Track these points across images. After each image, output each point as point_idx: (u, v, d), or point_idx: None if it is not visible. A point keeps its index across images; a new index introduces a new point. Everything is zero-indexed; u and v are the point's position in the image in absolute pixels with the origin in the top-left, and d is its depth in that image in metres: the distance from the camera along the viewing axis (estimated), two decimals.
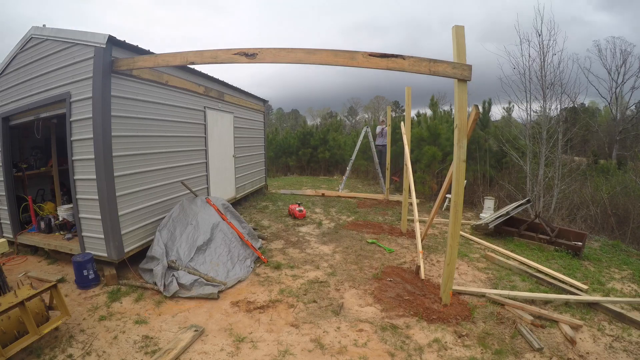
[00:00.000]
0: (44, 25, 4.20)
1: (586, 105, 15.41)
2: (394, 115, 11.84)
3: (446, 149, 9.19)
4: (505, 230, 5.87)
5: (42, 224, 4.88)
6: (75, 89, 3.90)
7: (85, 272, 3.70)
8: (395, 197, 9.26)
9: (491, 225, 5.70)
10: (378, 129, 11.01)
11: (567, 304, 3.49)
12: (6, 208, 4.94)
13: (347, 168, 10.57)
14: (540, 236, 5.44)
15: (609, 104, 17.22)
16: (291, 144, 15.72)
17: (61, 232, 4.81)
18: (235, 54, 3.31)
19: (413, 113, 12.83)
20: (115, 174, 3.87)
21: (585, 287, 3.78)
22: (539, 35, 7.49)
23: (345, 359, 2.63)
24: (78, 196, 4.05)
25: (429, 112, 11.52)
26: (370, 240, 5.52)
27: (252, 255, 4.56)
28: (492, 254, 4.86)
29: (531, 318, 3.14)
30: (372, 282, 3.99)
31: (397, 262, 4.65)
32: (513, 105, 8.86)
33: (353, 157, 10.45)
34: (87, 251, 4.02)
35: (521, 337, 2.91)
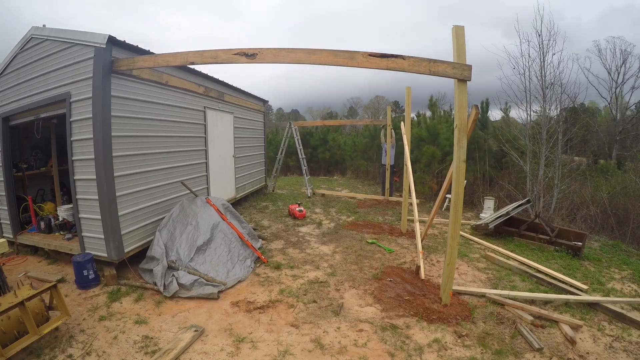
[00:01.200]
0: (44, 26, 4.20)
1: (586, 105, 15.41)
2: (394, 116, 11.81)
3: (445, 149, 9.19)
4: (505, 230, 5.87)
5: (42, 224, 4.88)
6: (75, 89, 3.90)
7: (85, 272, 3.70)
8: (395, 197, 9.26)
9: (491, 226, 5.70)
10: (384, 146, 9.58)
11: (567, 304, 3.49)
12: (6, 208, 4.94)
13: (275, 166, 10.11)
14: (540, 236, 5.44)
15: (609, 104, 17.24)
16: (291, 144, 15.72)
17: (61, 232, 4.81)
18: (235, 54, 3.31)
19: (413, 114, 12.82)
20: (115, 174, 3.87)
21: (585, 287, 3.78)
22: (539, 36, 7.51)
23: (345, 359, 2.63)
24: (78, 196, 4.05)
25: (428, 112, 11.53)
26: (370, 241, 5.52)
27: (252, 255, 4.56)
28: (492, 254, 4.86)
29: (531, 318, 3.14)
30: (372, 282, 3.99)
31: (397, 262, 4.65)
32: (510, 106, 8.89)
33: (280, 156, 10.05)
34: (87, 251, 4.02)
35: (521, 337, 2.91)
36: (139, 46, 4.14)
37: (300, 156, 9.85)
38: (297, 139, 10.08)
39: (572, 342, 2.82)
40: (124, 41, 3.89)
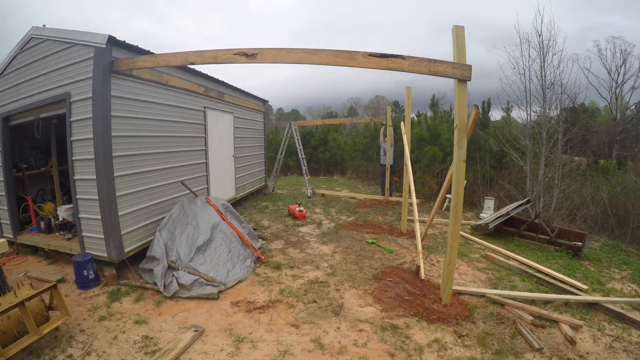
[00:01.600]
0: (43, 26, 4.20)
1: (586, 105, 15.42)
2: (394, 115, 11.79)
3: (446, 149, 9.19)
4: (505, 230, 5.87)
5: (42, 224, 4.88)
6: (75, 89, 3.90)
7: (85, 272, 3.70)
8: (395, 197, 9.26)
9: (491, 226, 5.70)
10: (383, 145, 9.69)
11: (567, 304, 3.49)
12: (6, 208, 4.94)
13: (276, 166, 10.09)
14: (540, 236, 5.44)
15: (609, 104, 17.24)
16: (291, 144, 15.73)
17: (61, 232, 4.81)
18: (235, 54, 3.31)
19: (413, 114, 12.80)
20: (115, 174, 3.87)
21: (585, 287, 3.78)
22: (539, 36, 7.51)
23: (345, 359, 2.63)
24: (78, 196, 4.05)
25: (429, 112, 11.51)
26: (370, 241, 5.52)
27: (252, 255, 4.56)
28: (492, 254, 4.86)
29: (531, 318, 3.14)
30: (372, 282, 3.99)
31: (397, 262, 4.65)
32: (512, 106, 8.88)
33: (280, 156, 10.04)
34: (87, 251, 4.02)
35: (521, 337, 2.91)
36: (139, 46, 4.14)
37: (300, 156, 9.85)
38: (297, 139, 10.07)
39: (572, 342, 2.82)
40: (124, 41, 3.89)
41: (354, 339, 2.87)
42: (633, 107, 16.79)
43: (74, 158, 3.99)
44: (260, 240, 5.32)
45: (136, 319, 3.12)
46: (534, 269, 4.35)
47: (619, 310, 3.29)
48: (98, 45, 3.67)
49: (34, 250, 4.80)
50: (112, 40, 3.72)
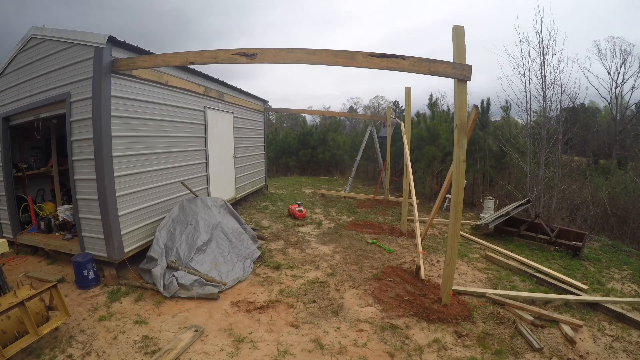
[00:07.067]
0: (43, 26, 4.20)
1: (586, 105, 15.44)
2: (393, 116, 11.76)
3: (446, 149, 9.19)
4: (505, 231, 5.87)
5: (42, 224, 4.88)
6: (75, 89, 3.90)
7: (85, 272, 3.70)
8: (395, 198, 9.26)
9: (491, 226, 5.70)
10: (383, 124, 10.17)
11: (567, 304, 3.49)
12: (6, 208, 4.94)
13: (353, 168, 10.06)
14: (540, 236, 5.44)
15: (609, 104, 17.25)
16: (291, 144, 15.74)
17: (61, 232, 4.81)
18: (235, 54, 3.31)
19: (413, 113, 12.75)
20: (115, 174, 3.87)
21: (585, 287, 3.78)
22: (539, 36, 7.52)
23: (345, 359, 2.63)
24: (78, 196, 4.05)
25: (428, 112, 11.48)
26: (370, 241, 5.52)
27: (252, 255, 4.56)
28: (492, 254, 4.86)
29: (531, 318, 3.14)
30: (372, 282, 3.99)
31: (397, 262, 4.65)
32: (510, 105, 8.89)
33: (358, 158, 10.04)
34: (87, 251, 4.02)
35: (521, 337, 2.91)
36: (139, 46, 4.14)
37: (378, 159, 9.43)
38: (375, 143, 9.76)
39: (572, 342, 2.82)
40: (124, 41, 3.89)
41: (353, 339, 2.87)
42: (633, 107, 16.81)
43: (74, 158, 3.99)
44: (260, 240, 5.31)
45: (136, 319, 3.12)
46: (534, 269, 4.35)
47: (619, 310, 3.29)
48: (98, 45, 3.67)
49: (34, 250, 4.80)
50: (112, 40, 3.72)
